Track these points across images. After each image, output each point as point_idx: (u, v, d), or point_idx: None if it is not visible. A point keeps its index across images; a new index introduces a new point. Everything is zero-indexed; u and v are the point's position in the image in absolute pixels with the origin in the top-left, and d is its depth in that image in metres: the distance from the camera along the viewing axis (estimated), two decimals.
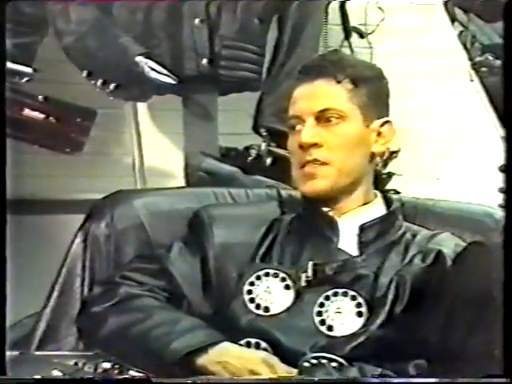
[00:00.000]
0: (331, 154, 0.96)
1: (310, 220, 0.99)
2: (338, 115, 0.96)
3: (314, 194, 0.96)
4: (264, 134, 1.49)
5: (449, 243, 0.96)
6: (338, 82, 0.97)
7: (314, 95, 0.97)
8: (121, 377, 0.85)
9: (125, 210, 1.05)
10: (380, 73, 1.00)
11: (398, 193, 1.64)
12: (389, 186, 1.66)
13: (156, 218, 1.05)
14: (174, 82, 1.49)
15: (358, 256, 0.96)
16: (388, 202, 1.01)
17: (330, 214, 0.98)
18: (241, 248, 0.97)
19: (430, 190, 1.66)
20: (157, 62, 1.48)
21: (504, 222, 0.87)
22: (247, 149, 1.49)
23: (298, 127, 0.97)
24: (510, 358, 0.77)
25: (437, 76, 1.72)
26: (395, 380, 0.83)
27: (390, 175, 1.72)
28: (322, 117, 0.96)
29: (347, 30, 1.65)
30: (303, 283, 0.94)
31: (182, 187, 1.39)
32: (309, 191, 0.97)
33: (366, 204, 0.99)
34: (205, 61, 1.49)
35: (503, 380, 0.77)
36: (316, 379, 0.85)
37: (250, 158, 1.48)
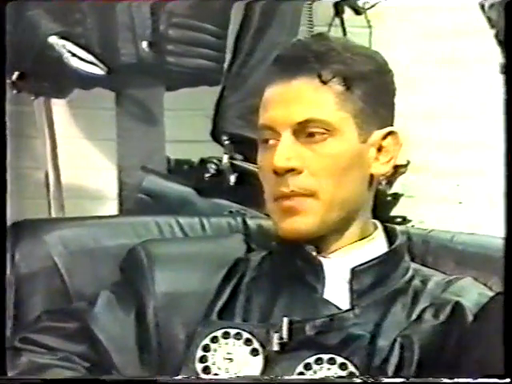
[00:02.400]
0: (316, 183, 0.95)
1: (286, 261, 0.98)
2: (325, 129, 0.95)
3: (296, 235, 0.96)
4: (226, 142, 1.49)
5: (470, 292, 0.97)
6: (324, 83, 0.95)
7: (291, 100, 0.95)
8: (125, 378, 0.92)
9: (32, 246, 1.05)
10: (382, 64, 0.99)
11: (405, 220, 1.66)
12: (394, 212, 1.68)
13: (75, 259, 1.04)
14: (103, 73, 1.49)
15: (349, 310, 0.96)
16: (390, 236, 1.01)
17: (314, 253, 0.97)
18: (192, 299, 0.97)
19: (449, 218, 1.68)
20: (80, 45, 1.47)
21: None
22: (204, 162, 1.49)
23: (272, 142, 0.96)
24: (510, 357, 0.86)
25: (456, 66, 1.74)
26: (395, 380, 0.90)
27: (396, 197, 1.73)
28: (303, 131, 0.95)
29: (338, 4, 1.68)
30: (276, 347, 0.94)
31: (114, 216, 1.39)
32: (288, 231, 0.96)
33: (361, 240, 0.98)
34: (145, 44, 1.49)
35: (503, 380, 0.87)
36: (317, 379, 0.91)
37: (207, 175, 1.48)
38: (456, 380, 0.87)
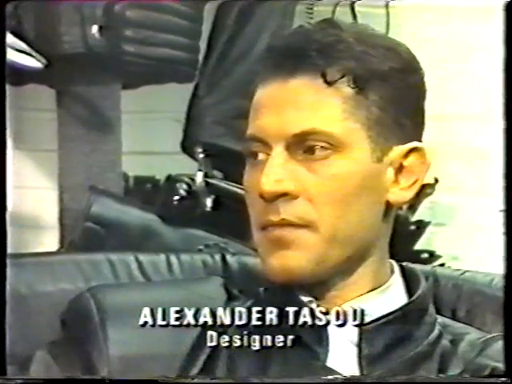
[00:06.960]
0: (314, 211, 0.95)
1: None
2: (327, 143, 0.95)
3: (286, 275, 0.96)
4: (201, 155, 1.50)
5: None
6: (329, 84, 0.95)
7: (286, 105, 0.95)
8: (127, 378, 0.98)
9: None
10: (408, 60, 0.98)
11: (433, 256, 1.64)
12: (419, 245, 1.66)
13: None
14: (39, 65, 1.49)
15: (358, 380, 0.97)
16: (409, 282, 1.01)
17: (313, 306, 0.98)
18: (157, 364, 0.97)
19: (490, 255, 1.68)
20: (13, 32, 1.46)
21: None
22: (172, 181, 1.50)
23: (262, 157, 0.97)
24: (510, 358, 0.97)
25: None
26: (395, 380, 0.96)
27: (421, 226, 1.71)
28: (300, 145, 0.96)
29: None
30: None
31: (53, 252, 1.38)
32: (276, 268, 0.96)
33: (373, 290, 0.98)
34: (96, 28, 1.49)
35: (503, 380, 0.98)
36: (318, 380, 0.96)
37: (176, 198, 1.48)
38: (456, 380, 0.97)
